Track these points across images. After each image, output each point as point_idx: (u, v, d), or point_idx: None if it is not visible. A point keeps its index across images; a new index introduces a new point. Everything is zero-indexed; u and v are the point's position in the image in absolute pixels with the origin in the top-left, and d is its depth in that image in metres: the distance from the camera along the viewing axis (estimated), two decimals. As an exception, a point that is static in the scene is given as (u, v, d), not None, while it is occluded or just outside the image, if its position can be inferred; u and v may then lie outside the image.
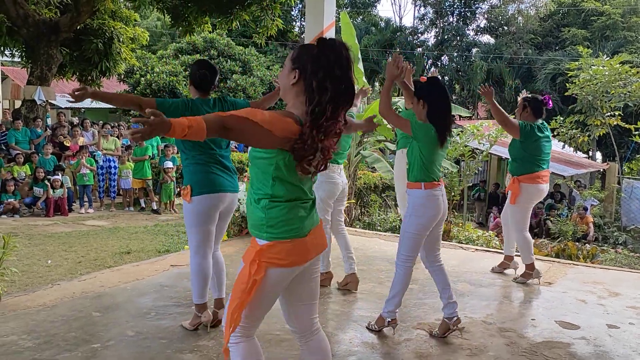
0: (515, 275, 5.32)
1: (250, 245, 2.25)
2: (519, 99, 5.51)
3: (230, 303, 2.22)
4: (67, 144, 11.72)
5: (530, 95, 5.23)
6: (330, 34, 6.62)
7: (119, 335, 3.63)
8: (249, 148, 2.25)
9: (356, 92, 2.30)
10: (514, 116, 5.32)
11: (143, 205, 11.65)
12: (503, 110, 4.97)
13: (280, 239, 2.18)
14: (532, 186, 5.04)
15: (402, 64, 3.55)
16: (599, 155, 21.45)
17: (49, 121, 13.88)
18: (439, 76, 5.97)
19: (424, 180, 3.61)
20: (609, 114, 14.04)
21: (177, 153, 11.91)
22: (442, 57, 31.08)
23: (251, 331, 2.31)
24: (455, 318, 3.74)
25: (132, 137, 1.97)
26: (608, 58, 14.38)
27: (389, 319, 3.76)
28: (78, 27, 12.32)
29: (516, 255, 5.49)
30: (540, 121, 5.08)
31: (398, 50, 30.05)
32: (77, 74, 13.41)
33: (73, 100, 3.36)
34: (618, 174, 14.55)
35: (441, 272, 3.83)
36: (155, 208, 11.46)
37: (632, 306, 4.62)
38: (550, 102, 5.11)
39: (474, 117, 28.22)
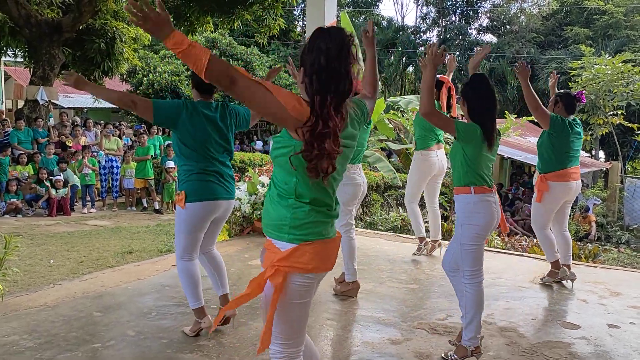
0: (542, 276, 5.18)
1: (268, 251, 2.14)
2: (550, 80, 5.34)
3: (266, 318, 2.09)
4: (69, 144, 11.75)
5: (562, 91, 5.05)
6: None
7: (119, 335, 3.64)
8: (270, 148, 2.17)
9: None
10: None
11: (145, 205, 11.67)
12: (536, 96, 4.73)
13: (305, 241, 2.06)
14: (561, 184, 4.83)
15: (437, 50, 3.26)
16: (601, 154, 21.43)
17: (52, 121, 13.92)
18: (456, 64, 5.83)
19: (474, 184, 3.29)
20: (611, 112, 14.05)
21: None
22: (444, 57, 31.03)
23: (292, 352, 2.15)
24: (477, 345, 3.37)
25: (132, 19, 1.93)
26: (610, 57, 14.37)
27: (472, 348, 3.34)
28: (80, 27, 12.35)
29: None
30: (572, 117, 4.92)
31: (400, 49, 30.04)
32: (80, 73, 13.44)
33: (68, 84, 3.34)
34: (621, 173, 14.53)
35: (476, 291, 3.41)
36: (157, 208, 11.49)
37: (633, 306, 4.62)
38: (584, 97, 4.98)
39: (476, 116, 28.19)
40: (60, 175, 10.59)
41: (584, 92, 5.16)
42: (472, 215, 3.31)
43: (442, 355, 3.49)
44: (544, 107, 4.79)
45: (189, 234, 3.50)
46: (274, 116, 2.01)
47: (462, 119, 3.54)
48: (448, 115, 5.56)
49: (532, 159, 15.72)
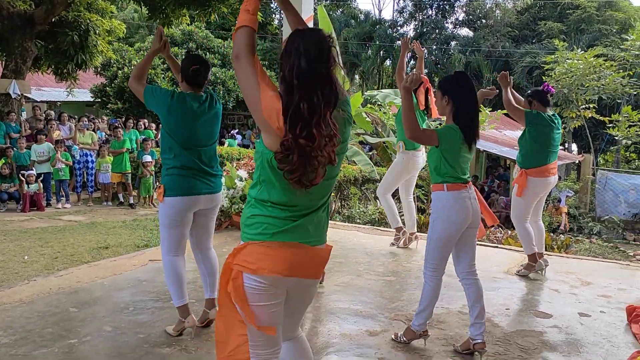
0: (519, 268, 5.30)
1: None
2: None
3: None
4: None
5: (530, 91, 5.20)
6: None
7: (96, 331, 3.63)
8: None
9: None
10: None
11: (122, 199, 11.55)
12: (512, 99, 4.95)
13: (253, 240, 1.99)
14: (540, 180, 4.98)
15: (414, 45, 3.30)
16: (574, 147, 21.80)
17: (24, 115, 13.66)
18: (425, 51, 5.87)
19: (447, 182, 3.35)
20: (584, 106, 14.30)
21: (156, 147, 11.83)
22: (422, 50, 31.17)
23: (263, 353, 2.09)
24: (479, 341, 3.41)
25: None
26: (583, 51, 14.61)
27: (421, 331, 3.54)
28: (53, 20, 12.11)
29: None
30: (550, 112, 5.04)
31: (378, 43, 30.11)
32: (53, 67, 13.20)
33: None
34: (593, 165, 14.82)
35: (475, 287, 3.52)
36: (131, 202, 11.37)
37: (604, 295, 4.74)
38: (551, 87, 5.12)
39: (452, 109, 28.42)
40: (32, 170, 10.42)
41: (547, 83, 5.30)
42: (445, 211, 3.37)
43: (392, 336, 3.63)
44: (517, 106, 4.96)
45: (171, 229, 3.49)
46: (251, 110, 1.96)
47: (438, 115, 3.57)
48: (426, 118, 5.67)
49: (508, 152, 15.94)
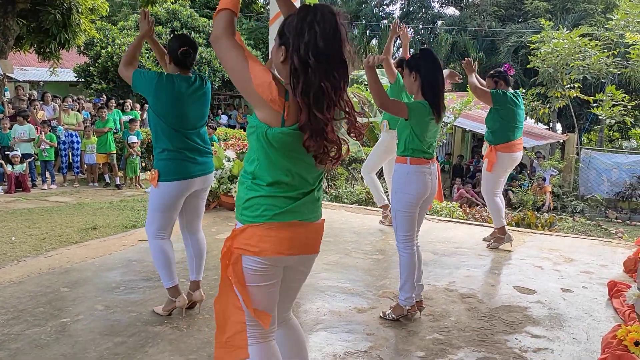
0: (488, 240, 5.55)
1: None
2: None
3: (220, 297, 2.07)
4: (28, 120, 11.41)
5: (493, 71, 5.45)
6: (295, 5, 6.58)
7: (88, 310, 3.66)
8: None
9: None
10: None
11: (108, 180, 11.50)
12: (477, 83, 5.20)
13: (254, 223, 2.00)
14: (508, 155, 5.28)
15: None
16: (559, 126, 21.96)
17: (7, 95, 13.48)
18: (411, 32, 6.01)
19: (411, 156, 3.49)
20: (568, 86, 14.40)
21: (142, 128, 11.74)
22: (408, 30, 31.10)
23: (263, 331, 2.11)
24: (419, 300, 3.67)
25: None
26: (568, 31, 14.66)
27: (408, 307, 3.60)
28: (35, -2, 11.91)
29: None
30: (512, 91, 5.28)
31: (364, 22, 29.94)
32: (35, 46, 12.96)
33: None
34: (577, 144, 14.99)
35: (416, 254, 3.69)
36: (117, 183, 11.32)
37: (586, 271, 4.85)
38: (512, 69, 5.41)
39: (438, 89, 28.44)
40: (17, 151, 10.33)
41: (509, 64, 5.60)
42: (406, 184, 3.52)
43: (380, 314, 3.69)
44: (483, 88, 5.19)
45: (163, 213, 3.49)
46: (240, 87, 1.95)
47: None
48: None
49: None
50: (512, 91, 5.28)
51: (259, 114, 1.96)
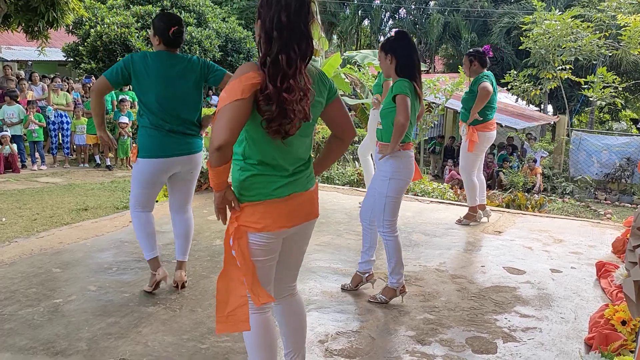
0: (460, 218, 5.73)
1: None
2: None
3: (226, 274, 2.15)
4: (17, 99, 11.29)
5: (472, 50, 5.55)
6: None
7: (80, 291, 3.67)
8: None
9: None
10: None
11: (98, 161, 11.44)
12: (482, 101, 5.29)
13: (252, 201, 2.09)
14: (486, 134, 5.48)
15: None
16: (550, 108, 22.03)
17: (-5, 75, 13.29)
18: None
19: (403, 141, 3.48)
20: (560, 67, 14.41)
21: (132, 108, 11.65)
22: (400, 10, 30.91)
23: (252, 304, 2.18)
24: (368, 274, 3.80)
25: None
26: (561, 12, 14.63)
27: (400, 287, 3.63)
28: (22, -25, 11.70)
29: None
30: (487, 72, 5.40)
31: (356, 2, 29.65)
32: (23, 25, 12.78)
33: None
34: (567, 126, 15.04)
35: (375, 234, 3.79)
36: (108, 164, 11.26)
37: (574, 252, 4.92)
38: (491, 52, 5.52)
39: (430, 70, 28.43)
40: (7, 131, 10.23)
41: (489, 46, 5.66)
42: (400, 169, 3.52)
43: (369, 298, 3.70)
44: (482, 97, 5.25)
45: (141, 188, 3.52)
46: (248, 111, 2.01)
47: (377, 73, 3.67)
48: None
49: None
50: (487, 72, 5.40)
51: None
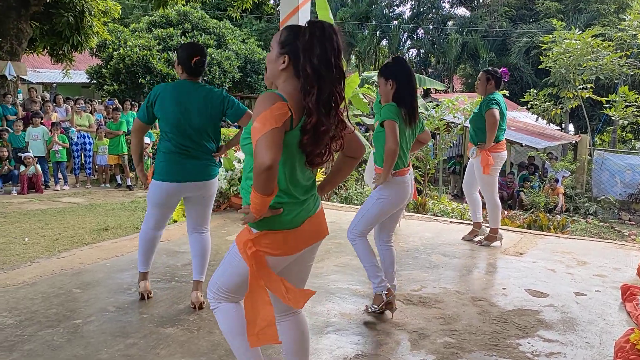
0: (480, 239, 5.68)
1: (244, 229, 2.23)
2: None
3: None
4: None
5: (491, 69, 5.55)
6: (305, 8, 6.59)
7: (100, 311, 3.68)
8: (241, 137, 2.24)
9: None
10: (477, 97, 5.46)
11: (119, 181, 11.57)
12: (493, 130, 5.27)
13: (273, 229, 2.16)
14: (499, 154, 5.48)
15: None
16: (571, 127, 21.83)
17: (21, 97, 13.61)
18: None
19: (395, 168, 3.56)
20: (581, 86, 14.28)
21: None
22: (418, 30, 31.05)
23: (238, 299, 2.36)
24: (387, 287, 3.71)
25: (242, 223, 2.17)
26: (581, 31, 14.55)
27: (385, 292, 3.65)
28: (48, 1, 12.03)
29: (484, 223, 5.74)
30: (497, 95, 5.40)
31: (374, 23, 29.87)
32: (48, 48, 13.14)
33: None
34: (589, 145, 14.85)
35: (390, 253, 3.82)
36: (129, 184, 11.39)
37: (599, 274, 4.81)
38: (507, 76, 5.55)
39: (449, 90, 28.40)
40: (30, 152, 10.42)
41: (506, 69, 5.66)
42: (391, 195, 3.61)
43: (363, 309, 3.79)
44: (493, 122, 5.25)
45: (155, 208, 3.66)
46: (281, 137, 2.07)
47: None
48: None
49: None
50: (497, 94, 5.41)
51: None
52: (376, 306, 3.68)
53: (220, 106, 3.53)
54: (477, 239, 5.74)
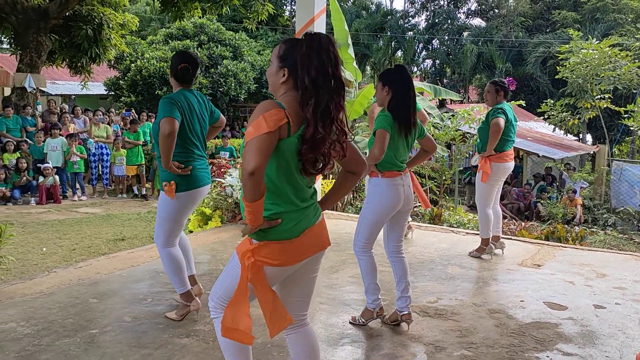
0: (471, 250, 5.64)
1: (244, 240, 2.25)
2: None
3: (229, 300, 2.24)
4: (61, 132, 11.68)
5: (498, 80, 5.57)
6: (321, 20, 6.63)
7: (116, 321, 3.69)
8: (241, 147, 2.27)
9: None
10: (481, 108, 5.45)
11: (136, 192, 11.67)
12: (495, 138, 5.25)
13: (271, 240, 2.18)
14: (501, 164, 5.42)
15: None
16: (589, 137, 21.62)
17: (40, 108, 13.82)
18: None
19: (383, 169, 3.59)
20: (599, 96, 14.16)
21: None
22: (433, 41, 31.03)
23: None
24: (405, 313, 3.69)
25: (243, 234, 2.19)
26: (598, 41, 14.45)
27: (377, 309, 3.72)
28: (67, 14, 12.23)
29: (503, 237, 5.65)
30: (504, 105, 5.39)
31: (389, 34, 29.90)
32: (67, 60, 13.34)
33: None
34: (608, 156, 14.68)
35: (401, 264, 3.77)
36: (144, 194, 11.48)
37: (619, 287, 4.73)
38: (514, 84, 5.62)
39: (464, 100, 28.30)
40: (49, 163, 10.56)
41: (512, 79, 5.78)
42: (377, 196, 3.63)
43: (350, 320, 3.78)
44: (496, 131, 5.22)
45: (176, 222, 3.65)
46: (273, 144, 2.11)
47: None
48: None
49: (520, 143, 15.83)
50: (505, 104, 5.39)
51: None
52: (364, 320, 3.72)
53: (209, 109, 3.73)
54: (496, 251, 5.67)
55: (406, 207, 3.72)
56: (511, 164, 5.54)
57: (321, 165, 2.20)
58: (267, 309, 2.18)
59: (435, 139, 11.29)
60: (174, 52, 3.87)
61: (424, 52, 31.92)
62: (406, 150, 3.68)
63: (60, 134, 11.21)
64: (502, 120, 5.22)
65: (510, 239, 6.56)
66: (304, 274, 2.37)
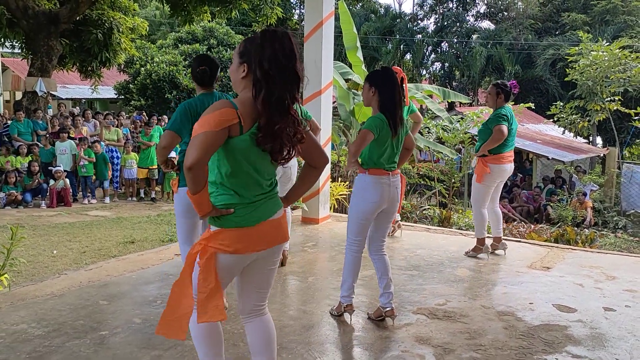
0: (468, 250, 5.67)
1: (207, 229, 2.36)
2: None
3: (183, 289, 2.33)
4: (72, 134, 11.76)
5: (500, 82, 5.55)
6: (329, 23, 6.66)
7: (126, 323, 3.72)
8: None
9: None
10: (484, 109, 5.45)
11: (142, 195, 11.72)
12: (494, 143, 5.27)
13: (225, 227, 2.26)
14: (498, 166, 5.41)
15: None
16: (599, 140, 21.47)
17: (51, 112, 13.93)
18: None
19: (370, 167, 3.67)
20: (608, 99, 14.09)
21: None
22: (442, 44, 31.00)
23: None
24: (389, 309, 3.80)
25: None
26: (608, 43, 14.38)
27: (345, 304, 3.86)
28: (77, 18, 12.34)
29: (504, 238, 5.69)
30: (507, 107, 5.42)
31: (398, 37, 29.91)
32: (78, 64, 13.45)
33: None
34: (618, 158, 14.59)
35: (382, 262, 3.87)
36: (153, 197, 11.54)
37: (629, 289, 4.70)
38: (517, 88, 5.56)
39: (473, 103, 28.23)
40: (60, 167, 10.63)
41: (515, 82, 5.64)
42: (361, 193, 3.72)
43: (329, 310, 3.99)
44: (497, 135, 5.23)
45: (185, 218, 3.69)
46: (218, 142, 2.18)
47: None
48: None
49: (530, 146, 15.80)
50: (507, 108, 5.39)
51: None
52: (336, 312, 3.92)
53: None
54: (498, 252, 5.68)
55: (391, 208, 3.79)
56: (509, 166, 5.53)
57: (285, 152, 2.27)
58: (203, 293, 2.24)
59: (444, 142, 11.29)
60: (194, 57, 3.94)
61: (433, 55, 31.89)
62: (395, 152, 3.74)
63: (71, 137, 11.30)
64: (505, 128, 5.22)
65: (520, 241, 6.54)
66: (263, 266, 2.44)
